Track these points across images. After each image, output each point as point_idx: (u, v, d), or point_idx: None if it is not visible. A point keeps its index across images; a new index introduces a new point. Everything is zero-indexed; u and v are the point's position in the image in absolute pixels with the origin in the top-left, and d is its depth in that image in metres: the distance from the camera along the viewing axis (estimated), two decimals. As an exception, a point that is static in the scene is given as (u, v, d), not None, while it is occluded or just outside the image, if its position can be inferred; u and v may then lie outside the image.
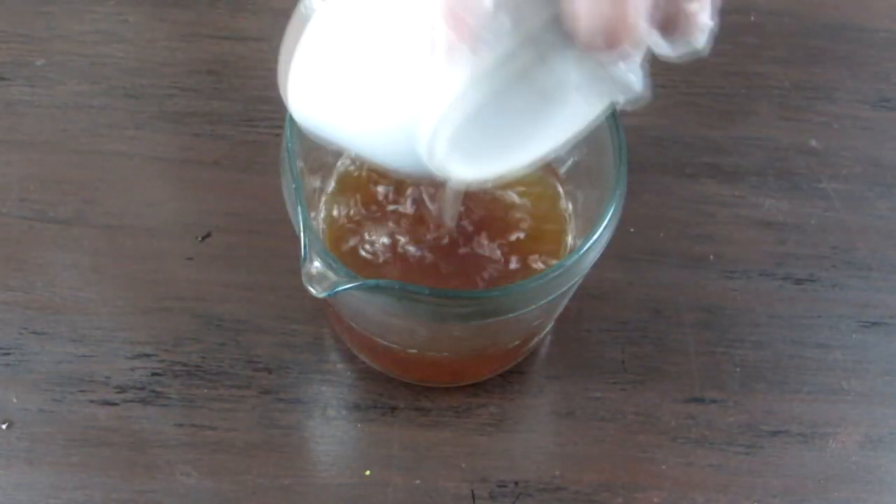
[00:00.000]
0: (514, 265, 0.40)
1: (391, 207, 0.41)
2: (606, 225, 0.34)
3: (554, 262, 0.40)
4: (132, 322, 0.44)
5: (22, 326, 0.44)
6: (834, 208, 0.49)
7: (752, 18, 0.56)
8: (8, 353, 0.44)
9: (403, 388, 0.44)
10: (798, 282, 0.47)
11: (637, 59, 0.28)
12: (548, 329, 0.44)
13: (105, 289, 0.45)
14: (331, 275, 0.31)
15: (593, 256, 0.34)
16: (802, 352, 0.45)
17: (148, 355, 0.44)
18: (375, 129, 0.28)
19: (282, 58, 0.29)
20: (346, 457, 0.42)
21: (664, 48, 0.28)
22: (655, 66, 0.57)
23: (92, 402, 0.43)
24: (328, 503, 0.41)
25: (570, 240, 0.41)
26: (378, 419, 0.43)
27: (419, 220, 0.40)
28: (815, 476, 0.43)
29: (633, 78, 0.28)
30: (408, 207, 0.40)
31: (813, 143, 0.52)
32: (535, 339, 0.43)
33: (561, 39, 0.26)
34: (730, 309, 0.46)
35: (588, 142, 0.39)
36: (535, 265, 0.40)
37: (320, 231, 0.40)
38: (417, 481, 0.42)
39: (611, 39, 0.25)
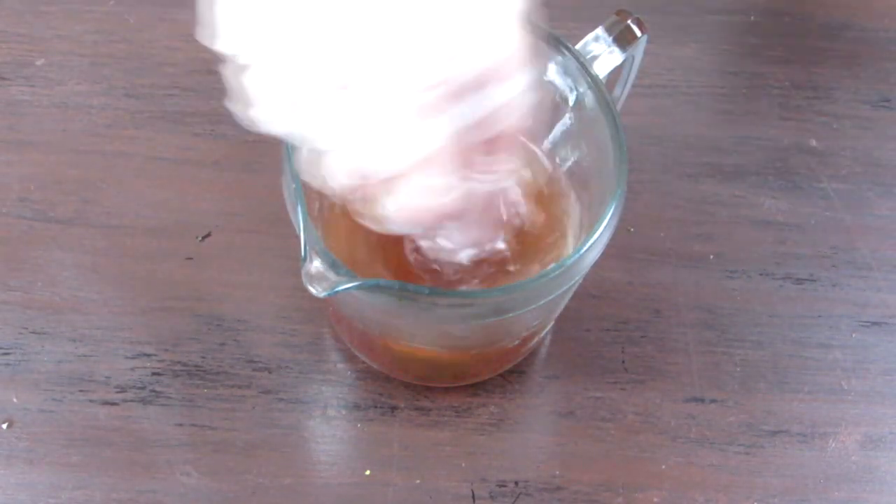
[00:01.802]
0: (513, 265, 0.40)
1: None
2: (606, 225, 0.34)
3: (554, 262, 0.40)
4: (132, 322, 0.44)
5: (22, 326, 0.44)
6: (834, 208, 0.49)
7: (752, 18, 0.56)
8: (8, 353, 0.44)
9: (403, 388, 0.44)
10: (798, 282, 0.47)
11: None
12: (548, 329, 0.44)
13: (105, 289, 0.45)
14: (331, 275, 0.31)
15: (593, 256, 0.34)
16: (802, 352, 0.45)
17: (148, 355, 0.44)
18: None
19: None
20: (346, 457, 0.42)
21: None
22: (656, 66, 0.58)
23: (92, 401, 0.43)
24: (328, 503, 0.41)
25: (570, 240, 0.41)
26: (378, 419, 0.43)
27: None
28: (815, 476, 0.43)
29: None
30: None
31: (813, 143, 0.52)
32: (535, 339, 0.43)
33: None
34: (730, 309, 0.46)
35: (588, 142, 0.39)
36: (534, 265, 0.40)
37: (321, 229, 0.40)
38: (417, 481, 0.42)
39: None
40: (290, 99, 0.28)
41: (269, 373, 0.44)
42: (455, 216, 0.31)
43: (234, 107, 0.29)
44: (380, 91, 0.27)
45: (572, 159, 0.41)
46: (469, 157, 0.29)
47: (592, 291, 0.46)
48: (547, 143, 0.42)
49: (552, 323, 0.43)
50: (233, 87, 0.29)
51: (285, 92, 0.28)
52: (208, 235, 0.47)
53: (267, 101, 0.29)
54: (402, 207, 0.29)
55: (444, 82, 0.27)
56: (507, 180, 0.32)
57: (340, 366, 0.44)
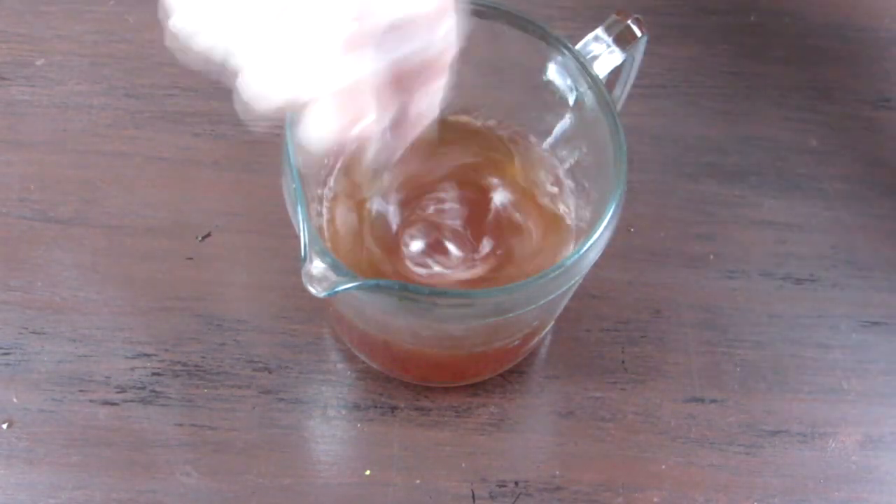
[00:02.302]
0: (513, 265, 0.40)
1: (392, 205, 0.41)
2: (606, 225, 0.34)
3: (554, 262, 0.40)
4: (132, 322, 0.44)
5: (22, 326, 0.44)
6: (834, 208, 0.49)
7: (752, 18, 0.56)
8: (8, 353, 0.44)
9: (403, 388, 0.44)
10: (798, 282, 0.47)
11: None
12: (548, 329, 0.44)
13: (105, 289, 0.45)
14: (331, 275, 0.31)
15: (593, 256, 0.34)
16: (802, 352, 0.45)
17: (148, 355, 0.44)
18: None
19: None
20: (346, 457, 0.42)
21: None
22: (656, 66, 0.58)
23: (92, 402, 0.43)
24: (328, 503, 0.41)
25: (570, 240, 0.41)
26: (378, 419, 0.43)
27: (420, 220, 0.40)
28: (815, 476, 0.43)
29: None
30: (409, 206, 0.40)
31: (813, 143, 0.52)
32: (535, 339, 0.43)
33: None
34: (730, 309, 0.46)
35: (588, 141, 0.39)
36: (534, 265, 0.40)
37: (323, 229, 0.40)
38: (417, 481, 0.42)
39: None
40: (216, 11, 0.28)
41: (269, 373, 0.44)
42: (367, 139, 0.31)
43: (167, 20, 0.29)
44: (309, 17, 0.27)
45: (572, 159, 0.41)
46: (389, 91, 0.30)
47: (592, 291, 0.46)
48: (547, 144, 0.42)
49: (552, 323, 0.43)
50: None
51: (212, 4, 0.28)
52: (208, 235, 0.47)
53: (190, 10, 0.29)
54: (315, 128, 0.29)
55: (373, 18, 0.28)
56: (428, 113, 0.32)
57: (340, 366, 0.44)
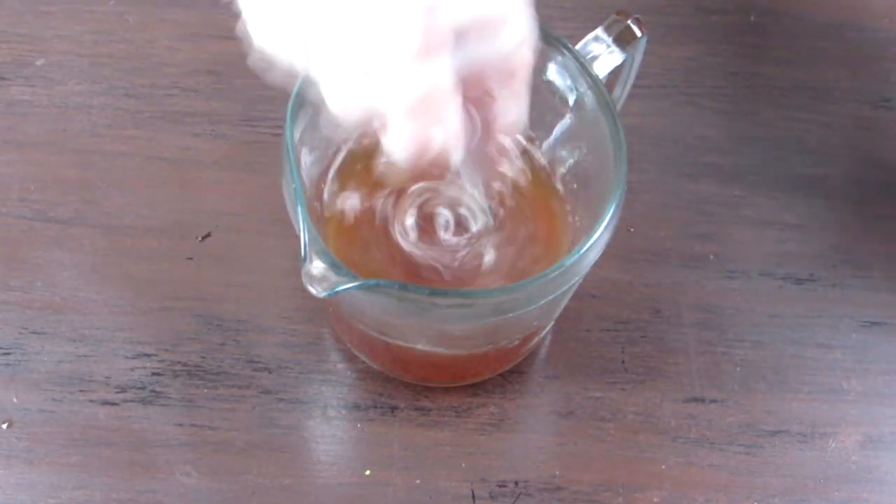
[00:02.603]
0: (513, 265, 0.40)
1: (391, 207, 0.40)
2: (606, 225, 0.34)
3: (554, 262, 0.40)
4: (132, 322, 0.44)
5: (22, 326, 0.44)
6: (834, 208, 0.49)
7: (752, 18, 0.56)
8: (8, 353, 0.44)
9: (403, 388, 0.44)
10: (798, 282, 0.47)
11: None
12: (548, 329, 0.44)
13: (105, 289, 0.45)
14: (331, 275, 0.31)
15: (593, 256, 0.34)
16: (802, 352, 0.45)
17: (148, 355, 0.44)
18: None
19: None
20: (346, 457, 0.42)
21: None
22: (656, 66, 0.58)
23: (92, 402, 0.43)
24: (328, 503, 0.41)
25: (570, 240, 0.41)
26: (378, 419, 0.43)
27: (419, 220, 0.40)
28: (815, 476, 0.43)
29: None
30: (409, 207, 0.40)
31: (813, 143, 0.52)
32: (535, 339, 0.43)
33: None
34: (730, 309, 0.46)
35: (588, 142, 0.39)
36: (534, 265, 0.40)
37: (323, 227, 0.40)
38: (417, 481, 0.42)
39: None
40: (290, 29, 0.28)
41: (269, 373, 0.44)
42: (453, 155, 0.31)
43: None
44: (377, 24, 0.27)
45: (572, 159, 0.41)
46: (469, 99, 0.29)
47: (592, 291, 0.46)
48: (547, 144, 0.42)
49: (552, 323, 0.43)
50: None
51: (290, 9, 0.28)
52: (208, 235, 0.47)
53: (266, 18, 0.28)
54: (401, 145, 0.29)
55: (442, 19, 0.27)
56: (506, 128, 0.32)
57: (340, 366, 0.44)
